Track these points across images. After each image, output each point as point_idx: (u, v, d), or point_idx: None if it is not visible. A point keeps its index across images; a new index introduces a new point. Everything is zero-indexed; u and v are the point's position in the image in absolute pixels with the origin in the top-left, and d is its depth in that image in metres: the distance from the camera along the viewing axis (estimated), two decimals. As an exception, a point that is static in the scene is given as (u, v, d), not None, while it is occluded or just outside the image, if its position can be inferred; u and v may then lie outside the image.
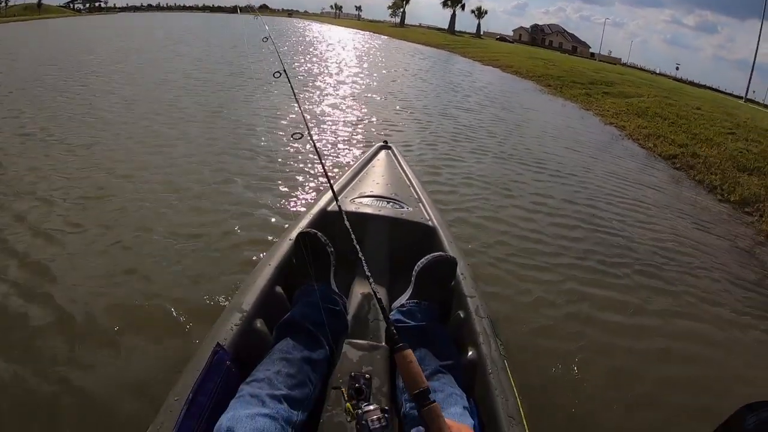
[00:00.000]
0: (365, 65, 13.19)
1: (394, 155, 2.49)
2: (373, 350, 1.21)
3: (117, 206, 2.98)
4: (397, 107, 7.29)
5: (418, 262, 1.44)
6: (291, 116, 5.79)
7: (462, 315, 1.40)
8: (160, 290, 2.15)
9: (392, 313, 1.38)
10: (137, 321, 1.96)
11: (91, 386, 1.62)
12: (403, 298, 1.42)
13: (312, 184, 3.58)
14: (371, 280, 1.18)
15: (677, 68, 36.89)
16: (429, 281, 1.41)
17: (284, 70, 1.78)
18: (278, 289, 1.43)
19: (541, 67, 16.46)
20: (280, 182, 3.57)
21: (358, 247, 1.22)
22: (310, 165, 3.95)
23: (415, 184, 2.16)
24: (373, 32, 38.89)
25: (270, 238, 2.66)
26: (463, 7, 54.97)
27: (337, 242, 1.50)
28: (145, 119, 5.21)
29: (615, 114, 9.04)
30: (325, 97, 7.48)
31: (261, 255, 2.32)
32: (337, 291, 1.42)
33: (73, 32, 19.91)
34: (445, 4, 55.45)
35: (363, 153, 2.77)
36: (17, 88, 6.50)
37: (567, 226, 3.42)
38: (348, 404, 0.97)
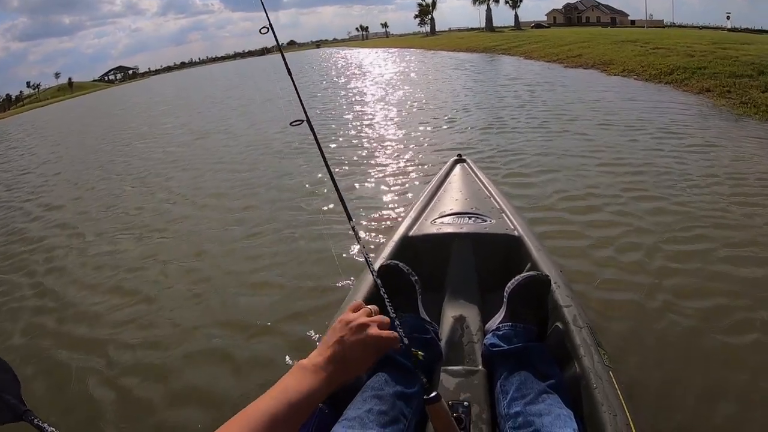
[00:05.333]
0: (387, 112, 8.60)
1: (470, 168, 2.28)
2: (470, 375, 1.20)
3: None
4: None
5: (509, 283, 1.32)
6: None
7: (560, 327, 1.26)
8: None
9: (487, 336, 1.30)
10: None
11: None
12: (497, 319, 1.33)
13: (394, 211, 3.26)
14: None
15: (728, 18, 29.89)
16: (522, 303, 1.29)
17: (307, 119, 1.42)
18: None
19: (654, 57, 10.91)
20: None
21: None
22: (384, 191, 3.50)
23: (494, 194, 1.99)
24: (403, 47, 34.62)
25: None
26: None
27: (423, 266, 1.51)
28: None
29: None
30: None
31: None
32: (426, 318, 1.34)
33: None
34: (476, 1, 50.16)
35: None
36: None
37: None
38: None
